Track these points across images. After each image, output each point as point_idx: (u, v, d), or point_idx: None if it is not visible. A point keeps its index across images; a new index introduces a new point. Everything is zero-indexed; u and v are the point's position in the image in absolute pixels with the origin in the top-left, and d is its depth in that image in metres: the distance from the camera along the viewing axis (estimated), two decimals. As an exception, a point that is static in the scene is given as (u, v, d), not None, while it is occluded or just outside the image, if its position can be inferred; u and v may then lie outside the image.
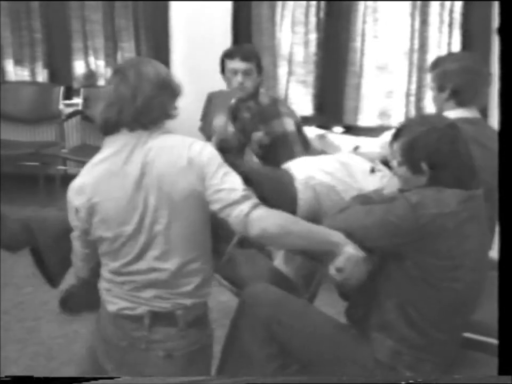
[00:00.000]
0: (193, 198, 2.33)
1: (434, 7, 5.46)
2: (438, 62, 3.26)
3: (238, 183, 2.37)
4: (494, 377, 2.17)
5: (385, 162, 3.13)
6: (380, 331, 2.51)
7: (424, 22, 5.47)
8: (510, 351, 2.05)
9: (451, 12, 5.42)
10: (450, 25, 5.42)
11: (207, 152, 2.39)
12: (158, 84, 2.40)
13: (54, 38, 6.21)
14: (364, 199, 2.76)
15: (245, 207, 2.31)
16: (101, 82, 6.18)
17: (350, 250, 2.43)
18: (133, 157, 2.36)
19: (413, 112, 5.55)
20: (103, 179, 2.37)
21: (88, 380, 2.06)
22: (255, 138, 3.79)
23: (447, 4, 5.41)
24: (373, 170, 3.11)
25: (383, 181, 3.06)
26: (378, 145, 3.31)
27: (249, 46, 4.37)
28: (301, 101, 5.74)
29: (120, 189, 2.35)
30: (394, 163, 2.66)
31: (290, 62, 5.72)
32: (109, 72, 6.12)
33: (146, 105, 2.37)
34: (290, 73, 5.73)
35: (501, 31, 2.26)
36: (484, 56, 4.85)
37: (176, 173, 2.33)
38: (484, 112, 4.66)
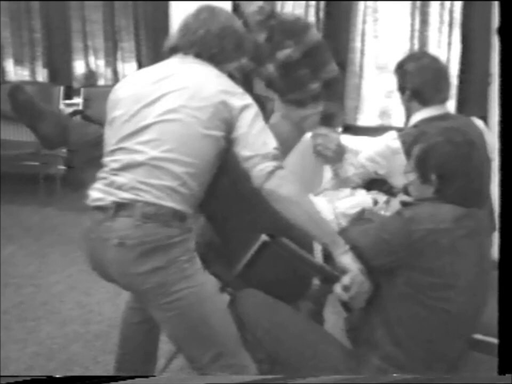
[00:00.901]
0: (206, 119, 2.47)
1: (434, 7, 5.45)
2: (399, 64, 3.27)
3: (272, 140, 2.51)
4: (494, 377, 2.15)
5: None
6: (367, 347, 2.48)
7: (424, 21, 5.46)
8: (510, 351, 2.04)
9: (451, 11, 5.40)
10: (451, 25, 5.41)
11: (248, 100, 2.54)
12: (226, 28, 2.66)
13: (54, 38, 6.23)
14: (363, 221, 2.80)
15: (272, 164, 2.45)
16: (101, 82, 6.19)
17: (355, 269, 2.47)
18: (170, 69, 2.63)
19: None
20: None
21: (88, 379, 2.07)
22: (282, 56, 4.02)
23: (447, 3, 5.40)
24: (376, 203, 3.12)
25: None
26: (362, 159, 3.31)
27: None
28: None
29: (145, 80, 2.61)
30: (408, 167, 2.66)
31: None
32: (109, 72, 6.13)
33: (208, 39, 2.63)
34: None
35: (501, 31, 2.25)
36: (484, 56, 4.87)
37: (203, 98, 2.49)
38: (484, 112, 4.71)
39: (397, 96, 5.13)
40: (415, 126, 3.14)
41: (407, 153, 2.83)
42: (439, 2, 5.41)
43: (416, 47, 5.46)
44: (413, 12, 5.46)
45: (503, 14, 2.29)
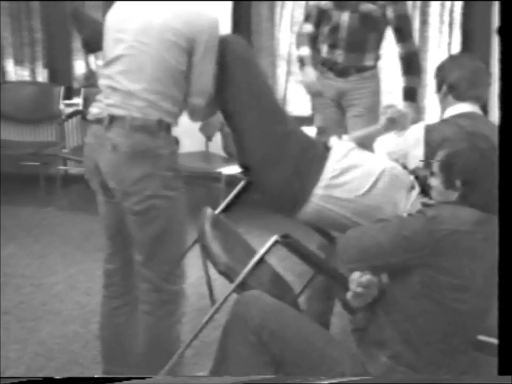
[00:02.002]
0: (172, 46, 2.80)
1: (434, 7, 5.50)
2: (439, 64, 3.35)
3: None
4: (494, 377, 2.16)
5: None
6: (374, 347, 2.48)
7: (424, 22, 5.50)
8: (510, 351, 2.03)
9: (451, 12, 5.45)
10: (451, 25, 5.45)
11: (212, 34, 2.83)
12: None
13: (54, 38, 6.20)
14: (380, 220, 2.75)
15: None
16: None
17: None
18: None
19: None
20: None
21: (88, 379, 2.07)
22: (365, 8, 4.22)
23: (447, 4, 5.44)
24: (412, 187, 3.10)
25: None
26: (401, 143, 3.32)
27: None
28: (300, 101, 5.71)
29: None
30: (429, 172, 2.66)
31: (289, 62, 5.72)
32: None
33: None
34: (288, 73, 5.73)
35: (501, 31, 2.24)
36: (484, 56, 4.87)
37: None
38: (484, 109, 4.71)
39: (397, 96, 5.23)
40: (445, 120, 3.18)
41: (428, 151, 2.90)
42: (439, 2, 5.44)
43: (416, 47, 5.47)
44: (413, 12, 5.49)
45: (503, 14, 2.25)
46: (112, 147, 2.80)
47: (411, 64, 4.31)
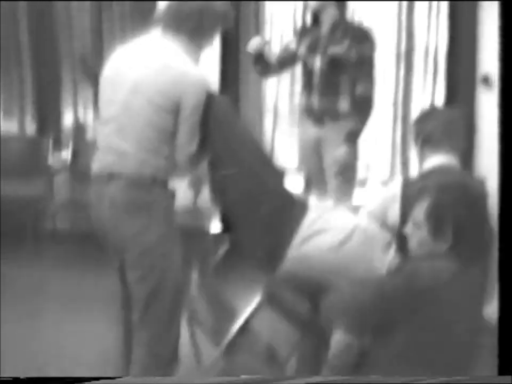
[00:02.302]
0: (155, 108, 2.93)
1: (418, 55, 5.56)
2: (417, 117, 3.40)
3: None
4: (494, 377, 2.17)
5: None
6: None
7: (408, 71, 5.56)
8: (510, 351, 2.07)
9: (435, 60, 5.52)
10: (435, 74, 5.52)
11: (197, 95, 2.94)
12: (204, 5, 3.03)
13: (43, 89, 6.23)
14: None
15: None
16: (90, 134, 6.18)
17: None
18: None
19: (398, 163, 5.63)
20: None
21: (88, 380, 2.07)
22: (333, 50, 4.32)
23: (431, 52, 5.52)
24: (390, 245, 3.11)
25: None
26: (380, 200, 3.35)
27: None
28: (287, 152, 5.74)
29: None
30: (410, 224, 2.67)
31: (275, 114, 5.77)
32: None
33: (187, 15, 3.02)
34: (275, 125, 5.77)
35: (501, 31, 2.34)
36: (469, 105, 4.93)
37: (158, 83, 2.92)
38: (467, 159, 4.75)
39: (382, 147, 5.30)
40: (421, 174, 3.20)
41: (406, 205, 2.86)
42: (423, 50, 5.52)
43: (400, 95, 5.53)
44: (398, 61, 5.56)
45: (503, 14, 2.37)
46: (110, 203, 2.95)
47: (360, 107, 4.36)
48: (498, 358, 2.08)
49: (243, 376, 2.47)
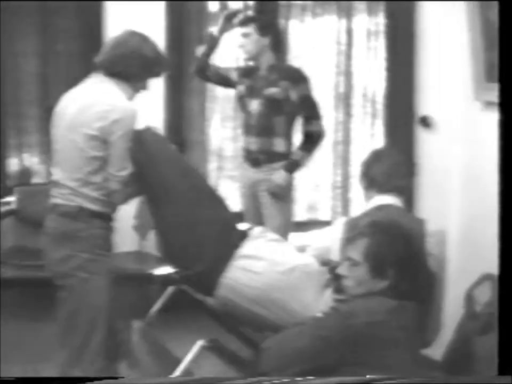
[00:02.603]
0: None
1: (357, 99, 5.67)
2: (363, 160, 3.50)
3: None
4: (494, 377, 2.18)
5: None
6: None
7: (347, 114, 5.67)
8: (510, 351, 2.07)
9: (373, 103, 5.63)
10: (373, 116, 5.63)
11: (123, 125, 3.24)
12: (133, 51, 3.37)
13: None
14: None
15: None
16: (36, 180, 6.14)
17: None
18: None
19: (339, 205, 5.71)
20: None
21: (89, 380, 2.09)
22: (269, 92, 4.45)
23: (369, 95, 5.62)
24: (327, 285, 3.14)
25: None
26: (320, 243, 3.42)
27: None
28: (232, 196, 5.68)
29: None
30: (346, 264, 2.74)
31: (220, 157, 5.82)
32: (43, 169, 6.10)
33: (116, 59, 3.36)
34: (220, 168, 5.82)
35: (501, 30, 2.31)
36: (407, 146, 5.05)
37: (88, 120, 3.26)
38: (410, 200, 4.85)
39: (323, 189, 5.39)
40: (364, 213, 3.29)
41: (346, 244, 2.93)
42: (361, 93, 5.63)
43: (340, 139, 5.63)
44: (337, 105, 5.67)
45: (503, 13, 2.34)
46: (44, 232, 3.35)
47: (310, 141, 4.50)
48: (498, 358, 2.09)
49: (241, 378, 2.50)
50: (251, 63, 4.65)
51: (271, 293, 3.07)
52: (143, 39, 3.47)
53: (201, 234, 3.19)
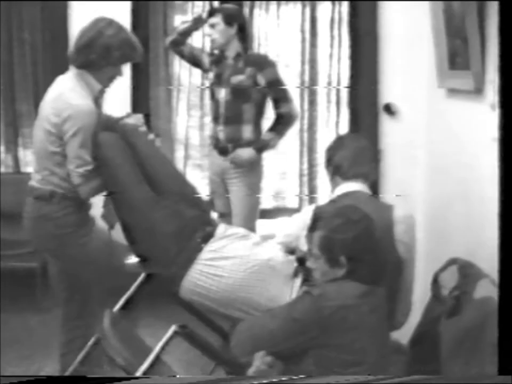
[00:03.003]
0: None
1: (321, 86, 5.72)
2: (328, 145, 3.53)
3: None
4: (494, 377, 2.21)
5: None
6: None
7: (312, 102, 5.73)
8: (510, 351, 2.08)
9: (338, 91, 5.68)
10: (338, 104, 5.68)
11: (76, 123, 3.31)
12: (93, 39, 3.39)
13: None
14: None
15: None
16: (1, 169, 6.09)
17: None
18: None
19: (306, 192, 5.76)
20: None
21: (88, 379, 2.09)
22: (235, 80, 4.50)
23: (334, 83, 5.67)
24: (296, 275, 3.17)
25: None
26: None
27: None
28: (198, 184, 5.73)
29: None
30: (311, 258, 2.77)
31: (186, 146, 5.84)
32: (9, 158, 6.07)
33: (79, 49, 3.41)
34: (186, 157, 5.85)
35: (501, 30, 2.28)
36: (372, 133, 5.10)
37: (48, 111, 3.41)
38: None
39: (290, 177, 5.42)
40: (331, 201, 3.31)
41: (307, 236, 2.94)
42: (326, 82, 5.68)
43: (305, 127, 5.68)
44: (302, 93, 5.73)
45: (503, 14, 2.30)
46: (25, 214, 3.56)
47: (281, 123, 4.57)
48: (498, 358, 2.11)
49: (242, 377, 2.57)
50: (217, 52, 4.68)
51: (235, 293, 3.10)
52: (107, 24, 3.48)
53: (159, 238, 3.22)
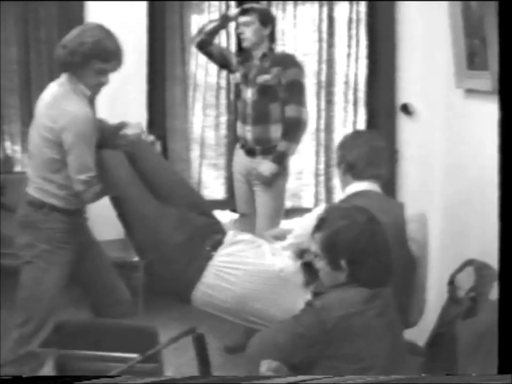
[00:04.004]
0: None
1: (339, 86, 5.70)
2: (340, 141, 3.48)
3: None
4: (494, 377, 2.19)
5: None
6: None
7: (329, 101, 5.70)
8: (510, 351, 2.08)
9: (355, 90, 5.64)
10: (355, 104, 5.65)
11: (75, 131, 3.32)
12: (78, 43, 3.39)
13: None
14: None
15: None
16: (17, 168, 6.13)
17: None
18: None
19: (322, 192, 5.74)
20: None
21: (89, 378, 2.10)
22: (261, 79, 4.50)
23: (351, 83, 5.64)
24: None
25: None
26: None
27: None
28: (213, 184, 5.80)
29: None
30: (315, 255, 2.73)
31: (202, 145, 5.82)
32: (25, 158, 6.08)
33: (62, 54, 3.45)
34: (202, 156, 5.82)
35: (501, 31, 2.29)
36: (390, 134, 5.07)
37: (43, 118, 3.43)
38: (390, 186, 4.88)
39: (306, 176, 5.39)
40: (341, 201, 3.27)
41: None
42: (343, 81, 5.65)
43: (322, 126, 5.66)
44: (319, 92, 5.69)
45: (502, 14, 2.31)
46: (15, 217, 3.58)
47: (290, 129, 4.51)
48: (498, 358, 2.10)
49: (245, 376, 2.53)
50: (245, 52, 4.68)
51: (247, 303, 3.10)
52: (88, 29, 3.51)
53: (168, 250, 3.22)
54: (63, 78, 3.51)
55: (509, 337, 2.08)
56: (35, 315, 3.51)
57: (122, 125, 3.70)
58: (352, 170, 3.28)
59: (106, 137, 3.59)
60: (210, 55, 4.84)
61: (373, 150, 3.32)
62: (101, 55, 3.42)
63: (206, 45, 4.75)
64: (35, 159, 3.53)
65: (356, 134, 3.84)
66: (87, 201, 3.52)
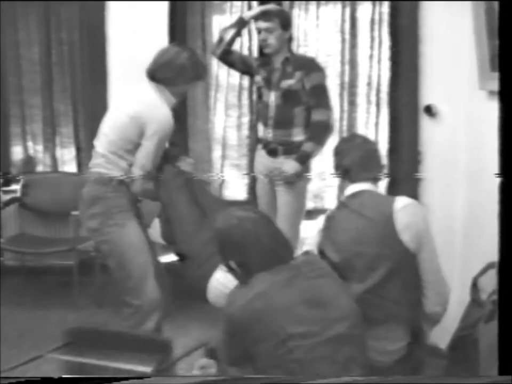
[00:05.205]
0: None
1: (361, 87, 5.68)
2: (336, 145, 3.55)
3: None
4: (494, 377, 2.21)
5: None
6: None
7: (352, 103, 5.68)
8: (510, 351, 2.07)
9: (378, 92, 5.62)
10: (378, 105, 5.62)
11: (157, 126, 3.75)
12: (170, 61, 3.89)
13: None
14: None
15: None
16: (40, 168, 6.17)
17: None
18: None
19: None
20: None
21: (89, 379, 2.12)
22: (285, 85, 4.53)
23: (374, 84, 5.62)
24: None
25: None
26: None
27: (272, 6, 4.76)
28: (235, 184, 5.84)
29: None
30: None
31: (224, 146, 5.84)
32: (47, 157, 6.12)
33: (158, 68, 3.89)
34: (224, 156, 5.85)
35: (501, 30, 2.29)
36: (412, 135, 5.04)
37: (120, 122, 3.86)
38: (414, 191, 4.86)
39: (329, 177, 5.38)
40: (343, 201, 3.30)
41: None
42: (366, 82, 5.62)
43: (345, 128, 5.64)
44: (341, 93, 5.67)
45: (502, 14, 2.31)
46: (80, 197, 3.95)
47: (318, 132, 4.52)
48: (498, 358, 2.10)
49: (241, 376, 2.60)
50: (267, 56, 4.67)
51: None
52: (183, 48, 4.04)
53: (196, 242, 3.61)
54: (151, 86, 3.90)
55: (509, 337, 2.08)
56: (134, 272, 3.87)
57: (181, 158, 4.17)
58: (347, 175, 3.35)
59: (168, 158, 4.04)
60: (232, 65, 4.84)
61: (367, 154, 3.40)
62: (196, 77, 4.00)
63: (227, 55, 4.74)
64: (111, 137, 3.87)
65: (348, 139, 3.86)
66: (133, 190, 3.87)
